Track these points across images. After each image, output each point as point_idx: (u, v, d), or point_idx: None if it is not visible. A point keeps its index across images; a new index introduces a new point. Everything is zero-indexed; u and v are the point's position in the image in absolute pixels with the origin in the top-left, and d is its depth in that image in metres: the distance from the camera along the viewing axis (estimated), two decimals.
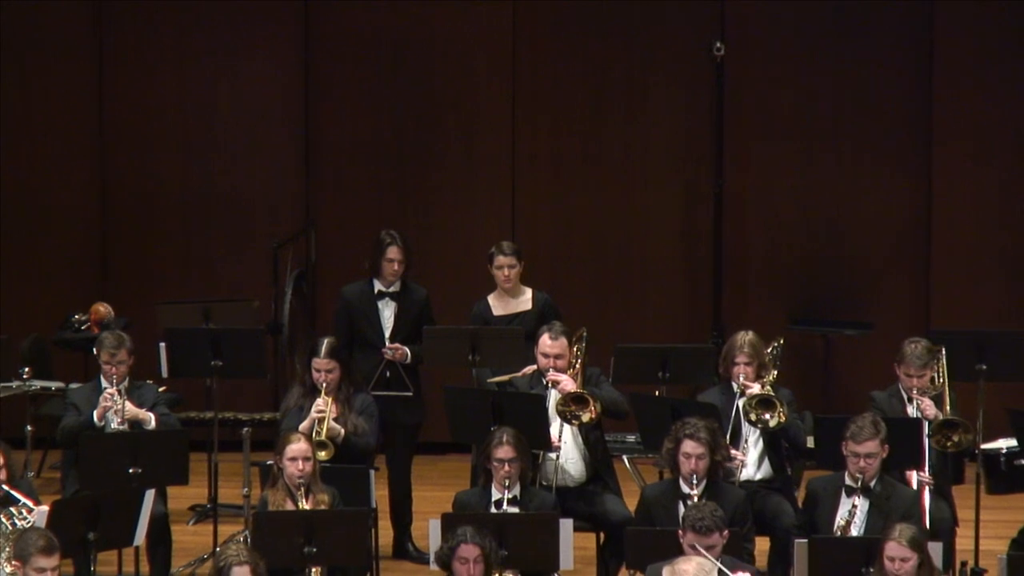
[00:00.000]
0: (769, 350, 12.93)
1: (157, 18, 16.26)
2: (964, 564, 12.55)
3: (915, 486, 12.21)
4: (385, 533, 13.50)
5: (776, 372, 12.88)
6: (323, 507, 11.91)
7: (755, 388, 12.66)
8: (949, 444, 12.45)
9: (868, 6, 16.02)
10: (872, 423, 11.91)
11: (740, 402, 12.66)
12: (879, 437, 11.85)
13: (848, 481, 11.96)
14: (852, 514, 11.91)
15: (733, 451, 12.59)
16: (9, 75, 16.26)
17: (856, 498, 11.93)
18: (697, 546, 10.79)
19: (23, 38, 16.23)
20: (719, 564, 10.08)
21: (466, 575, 10.99)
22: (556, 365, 12.84)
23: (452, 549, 11.07)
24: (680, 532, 11.09)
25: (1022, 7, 15.89)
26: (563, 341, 12.89)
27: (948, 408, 12.56)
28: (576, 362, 12.92)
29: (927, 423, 12.39)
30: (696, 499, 11.67)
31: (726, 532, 11.04)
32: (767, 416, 12.60)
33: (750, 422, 12.63)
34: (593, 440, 12.85)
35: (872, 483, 11.92)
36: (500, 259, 13.84)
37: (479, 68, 16.26)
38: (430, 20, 16.21)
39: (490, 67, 16.24)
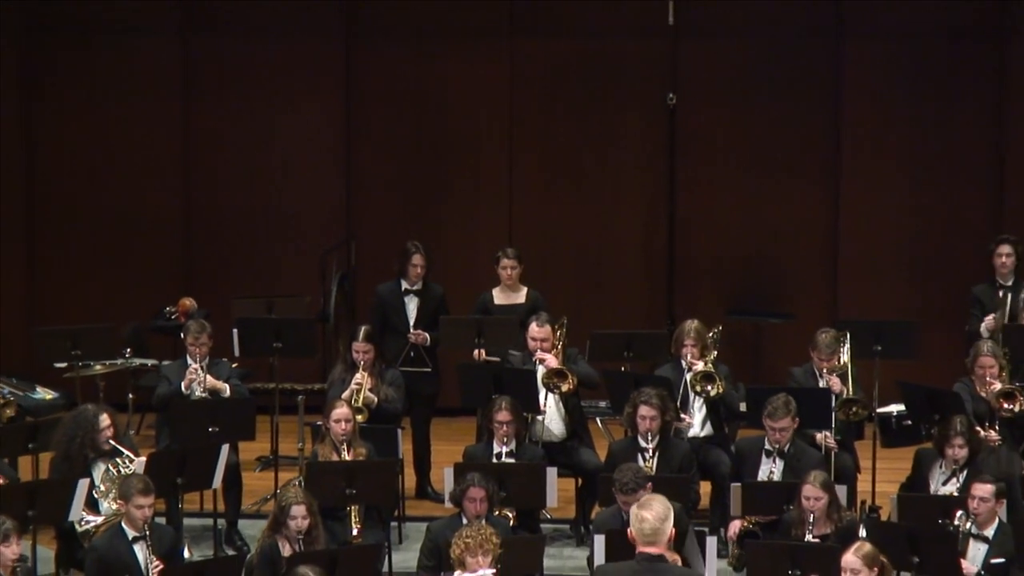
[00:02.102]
0: (710, 335, 13.01)
1: (233, 64, 16.20)
2: (864, 503, 12.57)
3: (821, 440, 12.38)
4: (409, 479, 13.55)
5: (716, 352, 12.94)
6: (361, 458, 12.03)
7: (699, 365, 12.75)
8: (851, 415, 12.57)
9: (786, 57, 15.98)
10: (784, 403, 11.97)
11: (688, 376, 12.77)
12: (791, 415, 11.95)
13: (767, 446, 12.07)
14: (771, 476, 12.00)
15: (684, 416, 12.71)
16: (112, 111, 16.23)
17: (773, 461, 12.03)
18: (627, 503, 10.83)
19: (123, 78, 16.18)
20: None
21: (474, 511, 11.06)
22: (542, 347, 12.97)
23: (463, 491, 11.15)
24: (613, 489, 11.19)
25: (917, 48, 15.85)
26: (547, 328, 13.00)
27: (851, 384, 12.65)
28: (559, 344, 13.04)
29: (835, 396, 12.53)
30: (651, 452, 11.82)
31: (649, 485, 10.97)
32: (709, 387, 12.69)
33: (695, 392, 12.74)
34: (572, 406, 12.96)
35: (786, 447, 12.04)
36: (504, 261, 13.90)
37: (484, 111, 16.23)
38: (445, 73, 16.18)
39: (492, 111, 16.20)
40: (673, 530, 8.74)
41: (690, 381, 12.67)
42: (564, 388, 12.77)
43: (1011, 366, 12.73)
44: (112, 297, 15.97)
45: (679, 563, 9.48)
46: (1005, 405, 12.35)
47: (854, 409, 12.57)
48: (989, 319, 13.74)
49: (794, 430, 11.97)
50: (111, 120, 16.26)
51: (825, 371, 12.66)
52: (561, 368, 12.77)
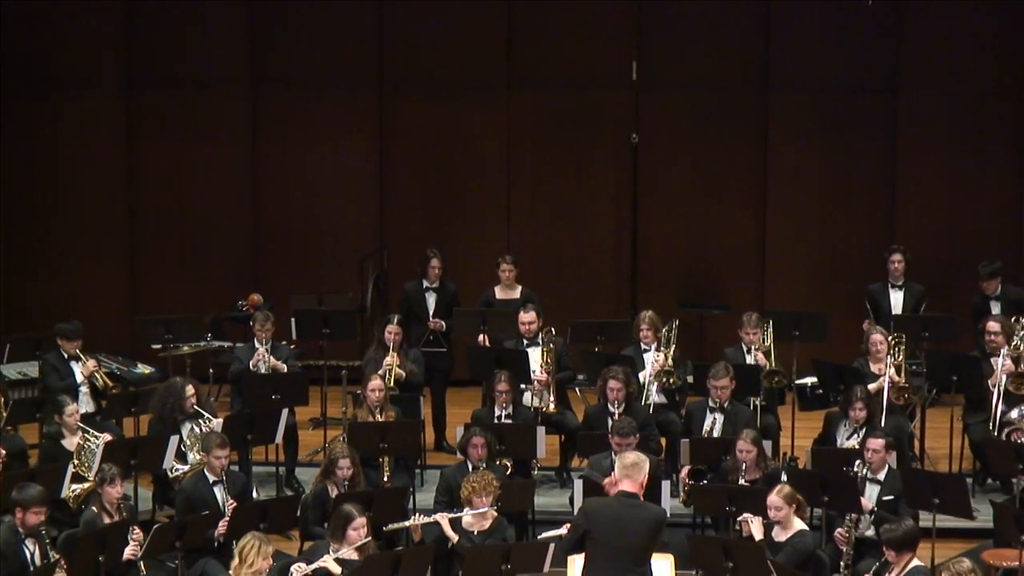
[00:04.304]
0: (665, 329, 12.95)
1: (292, 109, 16.12)
2: (785, 455, 12.59)
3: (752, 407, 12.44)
4: (429, 436, 13.53)
5: (675, 346, 12.83)
6: (391, 419, 12.08)
7: (661, 358, 12.65)
8: (774, 383, 12.63)
9: (724, 106, 15.94)
10: (724, 367, 12.07)
11: (649, 362, 12.72)
12: (728, 376, 12.01)
13: (710, 403, 12.12)
14: (713, 425, 12.07)
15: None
16: (196, 146, 16.17)
17: (715, 415, 12.09)
18: (621, 444, 10.99)
19: (205, 119, 16.13)
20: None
21: (476, 456, 11.14)
22: (530, 329, 12.99)
23: (467, 440, 11.23)
24: (610, 436, 11.27)
25: (827, 98, 15.82)
26: (533, 314, 13.07)
27: (773, 359, 12.70)
28: (547, 353, 12.92)
29: (761, 368, 12.56)
30: (617, 416, 11.85)
31: (638, 435, 11.17)
32: (667, 379, 12.61)
33: (659, 381, 12.64)
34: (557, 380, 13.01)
35: (725, 404, 12.09)
36: (504, 265, 13.97)
37: (487, 147, 16.18)
38: (457, 117, 16.14)
39: (494, 147, 16.16)
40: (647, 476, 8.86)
41: (654, 375, 12.60)
42: (549, 409, 12.76)
43: (901, 347, 12.78)
44: (196, 293, 15.95)
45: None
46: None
47: (776, 379, 12.63)
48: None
49: (731, 390, 12.01)
50: (196, 153, 16.23)
51: (755, 348, 12.71)
52: (556, 411, 12.74)
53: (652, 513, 8.81)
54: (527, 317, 13.00)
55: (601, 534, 8.65)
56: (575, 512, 9.42)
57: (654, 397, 12.67)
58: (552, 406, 12.68)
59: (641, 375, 12.62)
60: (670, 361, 12.65)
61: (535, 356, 12.88)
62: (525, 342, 12.99)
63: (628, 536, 8.63)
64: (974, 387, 12.54)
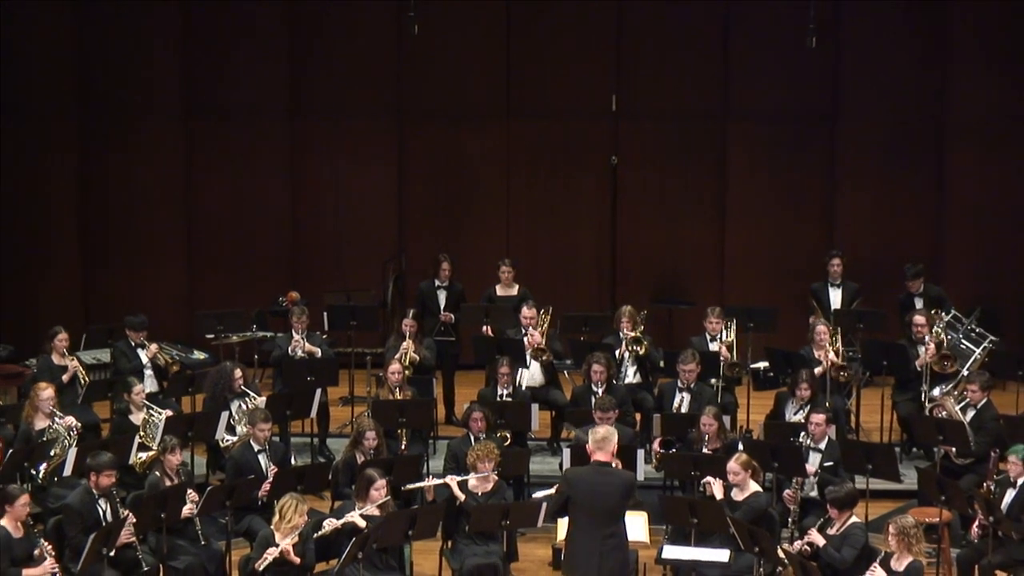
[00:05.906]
0: (639, 315, 12.97)
1: (324, 135, 16.04)
2: (741, 427, 12.57)
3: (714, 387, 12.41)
4: (440, 412, 13.44)
5: (643, 326, 12.92)
6: (408, 398, 12.02)
7: (632, 333, 12.72)
8: (735, 373, 12.58)
9: (690, 132, 15.84)
10: (691, 353, 12.05)
11: (624, 341, 12.75)
12: (695, 361, 11.99)
13: (679, 384, 12.08)
14: (682, 402, 12.03)
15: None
16: (243, 168, 16.08)
17: (683, 394, 12.05)
18: (602, 418, 10.96)
19: (249, 145, 16.01)
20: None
21: (476, 428, 11.12)
22: (531, 323, 12.95)
23: (468, 414, 11.21)
24: (593, 411, 11.22)
25: (775, 125, 15.74)
26: (533, 311, 13.04)
27: (734, 352, 12.66)
28: (543, 325, 12.99)
29: (723, 360, 12.49)
30: (601, 394, 11.83)
31: (617, 411, 11.14)
32: (637, 347, 12.68)
33: (629, 351, 12.71)
34: (547, 364, 12.93)
35: (692, 385, 12.05)
36: (504, 267, 13.93)
37: (490, 167, 16.09)
38: (464, 142, 16.05)
39: (495, 167, 16.07)
40: (616, 446, 8.80)
41: (625, 343, 12.63)
42: (542, 358, 12.76)
43: (840, 336, 12.77)
44: (243, 291, 15.83)
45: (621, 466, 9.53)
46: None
47: (736, 369, 12.61)
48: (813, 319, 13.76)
49: (697, 373, 11.96)
50: (243, 171, 16.13)
51: (719, 341, 12.68)
52: (540, 346, 12.74)
53: (623, 478, 8.80)
54: (529, 313, 13.00)
55: (581, 499, 8.64)
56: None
57: (630, 378, 12.63)
58: (545, 357, 12.65)
59: (617, 352, 12.65)
60: (636, 332, 12.60)
61: None
62: (524, 332, 12.93)
63: (604, 499, 8.61)
64: (902, 370, 12.60)
